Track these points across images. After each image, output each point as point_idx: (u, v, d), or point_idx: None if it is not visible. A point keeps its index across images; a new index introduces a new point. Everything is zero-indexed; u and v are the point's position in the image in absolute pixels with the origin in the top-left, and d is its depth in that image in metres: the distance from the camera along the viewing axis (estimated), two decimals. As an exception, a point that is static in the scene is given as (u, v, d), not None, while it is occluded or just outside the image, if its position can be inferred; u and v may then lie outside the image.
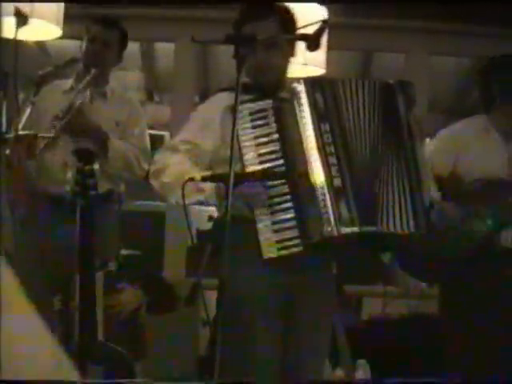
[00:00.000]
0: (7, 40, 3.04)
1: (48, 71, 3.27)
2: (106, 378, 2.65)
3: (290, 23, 2.57)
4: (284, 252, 2.39)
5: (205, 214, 4.11)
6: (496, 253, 3.09)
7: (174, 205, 2.52)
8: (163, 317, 3.56)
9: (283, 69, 2.61)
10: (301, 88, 2.45)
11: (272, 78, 2.56)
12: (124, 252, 3.72)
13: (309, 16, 2.92)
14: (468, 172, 3.21)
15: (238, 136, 2.29)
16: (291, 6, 2.65)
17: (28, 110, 3.08)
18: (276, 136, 2.43)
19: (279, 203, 2.41)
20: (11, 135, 2.95)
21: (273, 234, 2.39)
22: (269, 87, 2.54)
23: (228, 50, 2.57)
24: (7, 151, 2.91)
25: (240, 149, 2.38)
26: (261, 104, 2.44)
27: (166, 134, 5.95)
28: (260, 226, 2.40)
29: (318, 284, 2.56)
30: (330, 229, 2.37)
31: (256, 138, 2.43)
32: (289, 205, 2.41)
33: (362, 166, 2.44)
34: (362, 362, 3.74)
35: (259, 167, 2.41)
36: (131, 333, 3.12)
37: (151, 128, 4.31)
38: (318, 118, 2.43)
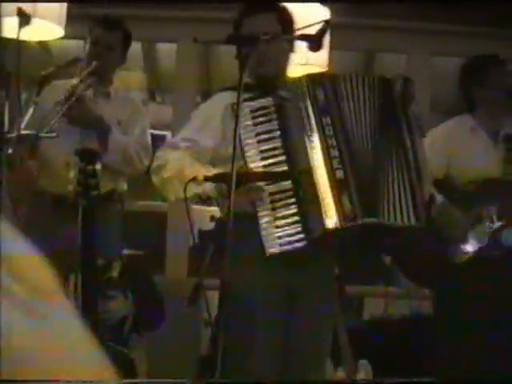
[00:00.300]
0: (10, 40, 3.05)
1: (50, 71, 3.27)
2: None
3: (287, 19, 2.62)
4: (287, 247, 2.39)
5: (207, 214, 4.12)
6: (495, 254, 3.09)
7: (175, 203, 2.52)
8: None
9: (283, 63, 2.63)
10: (301, 84, 2.46)
11: (271, 70, 2.57)
12: (126, 252, 3.72)
13: (311, 16, 2.93)
14: (461, 173, 3.21)
15: (239, 134, 2.30)
16: (289, 5, 2.68)
17: (30, 110, 3.08)
18: (277, 133, 2.44)
19: (281, 199, 2.42)
20: (13, 135, 2.95)
21: (275, 230, 2.40)
22: (269, 81, 2.55)
23: (230, 50, 2.59)
24: (9, 151, 2.91)
25: (242, 146, 2.39)
26: (262, 101, 2.45)
27: (167, 134, 5.95)
28: (262, 221, 2.41)
29: (319, 281, 2.56)
30: (332, 221, 2.37)
31: (257, 135, 2.44)
32: (291, 200, 2.42)
33: (364, 159, 2.46)
34: (363, 362, 3.73)
35: (261, 164, 2.42)
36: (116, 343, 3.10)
37: (153, 128, 4.31)
38: (319, 112, 2.44)
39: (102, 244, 2.78)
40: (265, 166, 2.43)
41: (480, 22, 4.65)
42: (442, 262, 3.08)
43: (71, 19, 3.37)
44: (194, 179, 2.38)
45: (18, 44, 3.02)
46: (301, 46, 2.61)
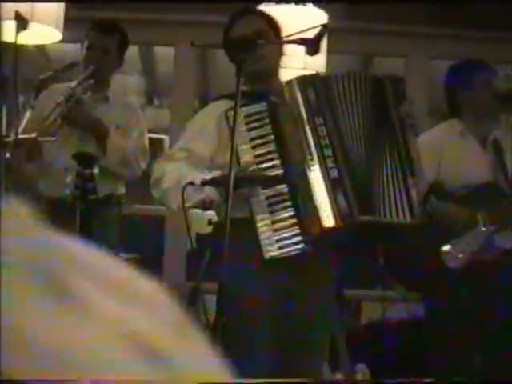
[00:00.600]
0: (7, 44, 3.04)
1: (48, 75, 3.27)
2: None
3: (275, 23, 2.64)
4: (285, 250, 2.40)
5: (205, 218, 4.12)
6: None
7: (176, 210, 2.51)
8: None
9: (273, 61, 2.63)
10: (292, 86, 2.46)
11: (261, 68, 2.57)
12: (123, 256, 3.72)
13: (308, 20, 2.93)
14: (452, 178, 3.21)
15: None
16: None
17: (28, 114, 3.08)
18: (271, 137, 2.46)
19: (278, 202, 2.43)
20: (11, 139, 2.95)
21: (273, 233, 2.41)
22: (260, 78, 2.56)
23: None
24: (7, 155, 2.91)
25: (237, 152, 2.39)
26: (255, 107, 2.47)
27: (165, 137, 5.95)
28: (260, 225, 2.41)
29: (317, 284, 2.56)
30: (329, 221, 2.38)
31: (252, 140, 2.45)
32: (287, 203, 2.43)
33: (357, 157, 2.47)
34: (361, 366, 3.74)
35: (256, 168, 2.43)
36: None
37: (151, 132, 4.31)
38: (312, 112, 2.45)
39: (99, 248, 2.77)
40: (260, 170, 2.44)
41: (479, 26, 4.66)
42: (435, 266, 3.08)
43: (69, 23, 3.37)
44: (191, 184, 2.38)
45: (16, 48, 3.02)
46: (298, 51, 2.62)
